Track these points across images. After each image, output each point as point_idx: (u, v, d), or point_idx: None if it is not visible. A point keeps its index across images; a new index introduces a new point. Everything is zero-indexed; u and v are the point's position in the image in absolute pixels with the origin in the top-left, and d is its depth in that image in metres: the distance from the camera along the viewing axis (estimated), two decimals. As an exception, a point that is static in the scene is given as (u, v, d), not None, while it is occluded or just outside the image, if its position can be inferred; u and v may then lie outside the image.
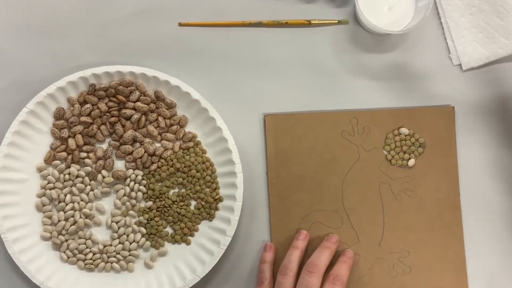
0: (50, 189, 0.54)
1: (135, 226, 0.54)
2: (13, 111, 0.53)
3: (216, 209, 0.54)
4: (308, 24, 0.56)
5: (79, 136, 0.54)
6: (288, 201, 0.55)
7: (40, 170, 0.54)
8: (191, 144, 0.55)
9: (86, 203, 0.54)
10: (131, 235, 0.54)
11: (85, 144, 0.54)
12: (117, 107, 0.54)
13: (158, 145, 0.55)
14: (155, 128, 0.55)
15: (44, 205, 0.54)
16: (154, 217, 0.54)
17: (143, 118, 0.55)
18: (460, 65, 0.56)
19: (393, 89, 0.56)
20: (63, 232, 0.53)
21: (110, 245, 0.54)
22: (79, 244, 0.53)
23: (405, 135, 0.56)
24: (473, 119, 0.57)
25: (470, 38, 0.56)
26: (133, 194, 0.54)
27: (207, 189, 0.54)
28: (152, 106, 0.55)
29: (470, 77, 0.57)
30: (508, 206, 0.56)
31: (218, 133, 0.53)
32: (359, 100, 0.56)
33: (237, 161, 0.53)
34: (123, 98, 0.54)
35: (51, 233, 0.53)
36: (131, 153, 0.54)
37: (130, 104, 0.54)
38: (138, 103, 0.54)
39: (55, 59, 0.56)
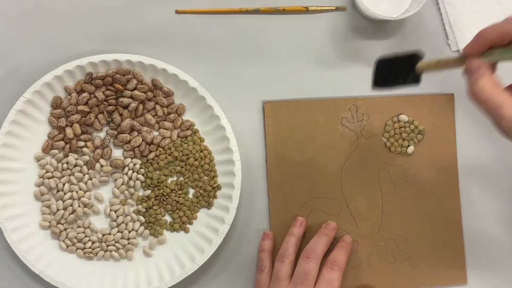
0: (48, 178, 0.54)
1: (133, 215, 0.54)
2: (10, 101, 0.53)
3: (215, 197, 0.54)
4: (305, 10, 0.56)
5: (76, 125, 0.54)
6: (287, 188, 0.55)
7: (38, 159, 0.54)
8: (189, 132, 0.55)
9: (85, 192, 0.54)
10: (130, 224, 0.54)
11: (82, 133, 0.54)
12: (114, 95, 0.54)
13: (156, 133, 0.55)
14: (153, 116, 0.54)
15: (42, 194, 0.54)
16: (153, 205, 0.54)
17: (141, 106, 0.54)
18: (458, 51, 0.56)
19: (392, 75, 0.56)
20: (62, 221, 0.53)
21: (109, 234, 0.54)
22: (78, 233, 0.53)
23: (405, 122, 0.55)
24: (473, 106, 0.56)
25: (468, 23, 0.56)
26: (131, 182, 0.54)
27: (205, 178, 0.54)
28: (150, 94, 0.54)
29: (469, 64, 0.56)
30: (507, 193, 0.56)
31: (215, 121, 0.53)
32: (358, 87, 0.56)
33: (235, 149, 0.52)
34: (120, 87, 0.54)
35: (50, 222, 0.53)
36: (129, 142, 0.54)
37: (128, 93, 0.54)
38: (136, 92, 0.54)
39: (52, 48, 0.55)
